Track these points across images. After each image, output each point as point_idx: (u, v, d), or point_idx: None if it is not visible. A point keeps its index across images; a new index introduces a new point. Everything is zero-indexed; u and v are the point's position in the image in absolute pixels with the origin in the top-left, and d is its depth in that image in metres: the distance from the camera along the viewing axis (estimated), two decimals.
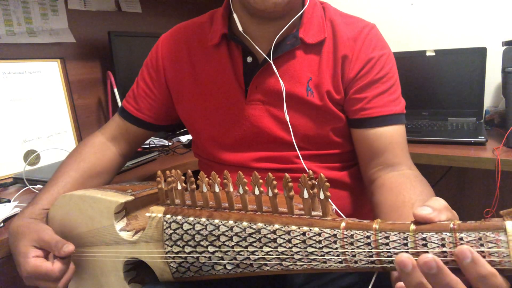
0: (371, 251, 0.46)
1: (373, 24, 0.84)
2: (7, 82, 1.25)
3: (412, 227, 0.44)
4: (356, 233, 0.47)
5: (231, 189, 0.56)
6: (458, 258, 0.40)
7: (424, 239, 0.43)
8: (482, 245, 0.41)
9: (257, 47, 0.80)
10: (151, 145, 1.50)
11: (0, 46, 1.33)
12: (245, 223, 0.54)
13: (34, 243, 0.68)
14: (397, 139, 0.79)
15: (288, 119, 0.80)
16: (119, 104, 1.52)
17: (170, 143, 1.54)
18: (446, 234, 0.42)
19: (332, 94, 0.81)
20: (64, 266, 0.67)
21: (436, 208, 0.45)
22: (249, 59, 0.82)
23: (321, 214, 0.51)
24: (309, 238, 0.50)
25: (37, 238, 0.68)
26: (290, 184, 0.50)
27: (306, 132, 0.82)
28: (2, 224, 0.85)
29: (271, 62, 0.79)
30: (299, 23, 0.81)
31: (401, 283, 0.44)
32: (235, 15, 0.81)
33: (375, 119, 0.79)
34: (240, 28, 0.80)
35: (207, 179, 0.57)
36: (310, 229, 0.50)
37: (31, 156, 1.27)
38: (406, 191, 0.69)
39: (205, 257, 0.58)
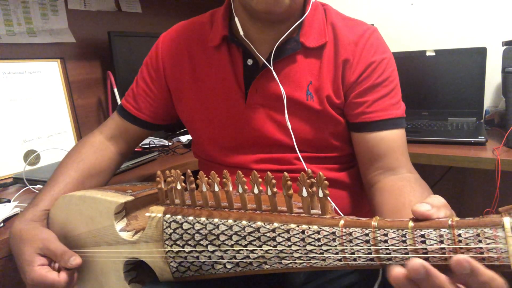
0: (370, 249, 0.46)
1: (375, 28, 0.84)
2: (7, 82, 1.25)
3: (411, 224, 0.44)
4: (355, 231, 0.47)
5: (231, 189, 0.56)
6: (455, 270, 0.40)
7: (422, 236, 0.43)
8: (480, 241, 0.41)
9: (257, 52, 0.80)
10: (151, 145, 1.50)
11: (0, 46, 1.33)
12: (244, 222, 0.54)
13: (39, 251, 0.68)
14: (397, 143, 0.79)
15: (289, 125, 0.80)
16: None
17: (170, 143, 1.54)
18: (445, 231, 0.42)
19: (332, 99, 0.80)
20: (70, 277, 0.68)
21: (435, 205, 0.45)
22: (250, 62, 0.82)
23: (320, 212, 0.51)
24: (308, 236, 0.50)
25: (42, 247, 0.68)
26: (289, 182, 0.51)
27: (305, 135, 0.82)
28: (2, 224, 0.85)
29: (271, 67, 0.79)
30: (300, 27, 0.81)
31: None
32: (236, 19, 0.80)
33: (376, 123, 0.79)
34: (241, 33, 0.80)
35: (206, 178, 0.57)
36: (309, 227, 0.50)
37: (31, 156, 1.27)
38: (406, 194, 0.69)
39: (205, 256, 0.58)
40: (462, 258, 0.40)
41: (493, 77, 1.54)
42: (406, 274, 0.42)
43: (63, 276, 0.67)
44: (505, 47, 1.32)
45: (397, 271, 0.43)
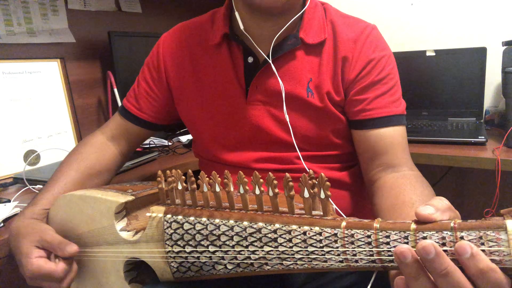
0: (372, 250, 0.46)
1: (374, 25, 0.84)
2: (7, 82, 1.25)
3: (413, 226, 0.44)
4: (357, 232, 0.47)
5: (232, 189, 0.56)
6: (457, 253, 0.40)
7: (424, 238, 0.43)
8: (482, 244, 0.40)
9: (257, 47, 0.80)
10: (151, 145, 1.50)
11: (0, 46, 1.33)
12: (245, 223, 0.54)
13: (36, 243, 0.68)
14: (398, 140, 0.79)
15: (288, 120, 0.80)
16: (119, 104, 1.52)
17: (170, 143, 1.54)
18: (447, 233, 0.42)
19: (332, 96, 0.81)
20: (68, 266, 0.68)
21: (439, 208, 0.45)
22: (250, 59, 0.82)
23: (321, 213, 0.51)
24: (310, 237, 0.50)
25: (39, 239, 0.68)
26: (291, 183, 0.50)
27: (306, 133, 0.82)
28: (2, 224, 0.85)
29: (271, 62, 0.79)
30: (300, 24, 0.81)
31: (399, 278, 0.44)
32: (236, 13, 0.81)
33: (376, 120, 0.79)
34: (242, 27, 0.80)
35: (207, 178, 0.57)
36: (311, 229, 0.50)
37: (31, 156, 1.27)
38: (406, 191, 0.69)
39: (205, 256, 0.58)
40: (465, 242, 0.40)
41: (493, 77, 1.54)
42: (412, 251, 0.41)
43: (61, 266, 0.67)
44: (505, 47, 1.32)
45: (404, 247, 0.42)
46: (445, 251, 0.42)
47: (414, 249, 0.42)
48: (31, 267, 0.66)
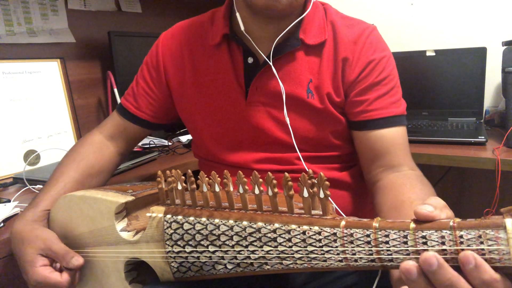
0: (371, 250, 0.46)
1: (374, 26, 0.84)
2: (7, 82, 1.25)
3: (412, 225, 0.44)
4: (356, 232, 0.47)
5: (231, 189, 0.56)
6: (461, 263, 0.40)
7: (424, 237, 0.43)
8: (482, 242, 0.40)
9: (257, 48, 0.80)
10: (151, 145, 1.50)
11: (0, 46, 1.33)
12: (245, 223, 0.54)
13: (40, 251, 0.68)
14: (398, 140, 0.79)
15: (288, 121, 0.80)
16: None
17: (170, 143, 1.54)
18: (446, 232, 0.42)
19: (333, 97, 0.81)
20: (72, 277, 0.68)
21: (437, 206, 0.45)
22: (250, 60, 0.82)
23: (321, 213, 0.51)
24: (309, 237, 0.50)
25: (44, 247, 0.69)
26: (290, 183, 0.51)
27: (306, 134, 0.82)
28: (2, 224, 0.85)
29: (271, 63, 0.79)
30: (300, 25, 0.81)
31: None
32: (237, 14, 0.80)
33: (377, 121, 0.79)
34: (242, 28, 0.80)
35: (207, 178, 0.57)
36: (310, 228, 0.50)
37: (31, 156, 1.27)
38: (406, 191, 0.69)
39: (205, 256, 0.58)
40: (469, 252, 0.40)
41: (493, 77, 1.54)
42: (418, 267, 0.42)
43: (65, 277, 0.67)
44: (505, 47, 1.32)
45: (409, 264, 0.42)
46: (444, 250, 0.42)
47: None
48: (36, 276, 0.66)
